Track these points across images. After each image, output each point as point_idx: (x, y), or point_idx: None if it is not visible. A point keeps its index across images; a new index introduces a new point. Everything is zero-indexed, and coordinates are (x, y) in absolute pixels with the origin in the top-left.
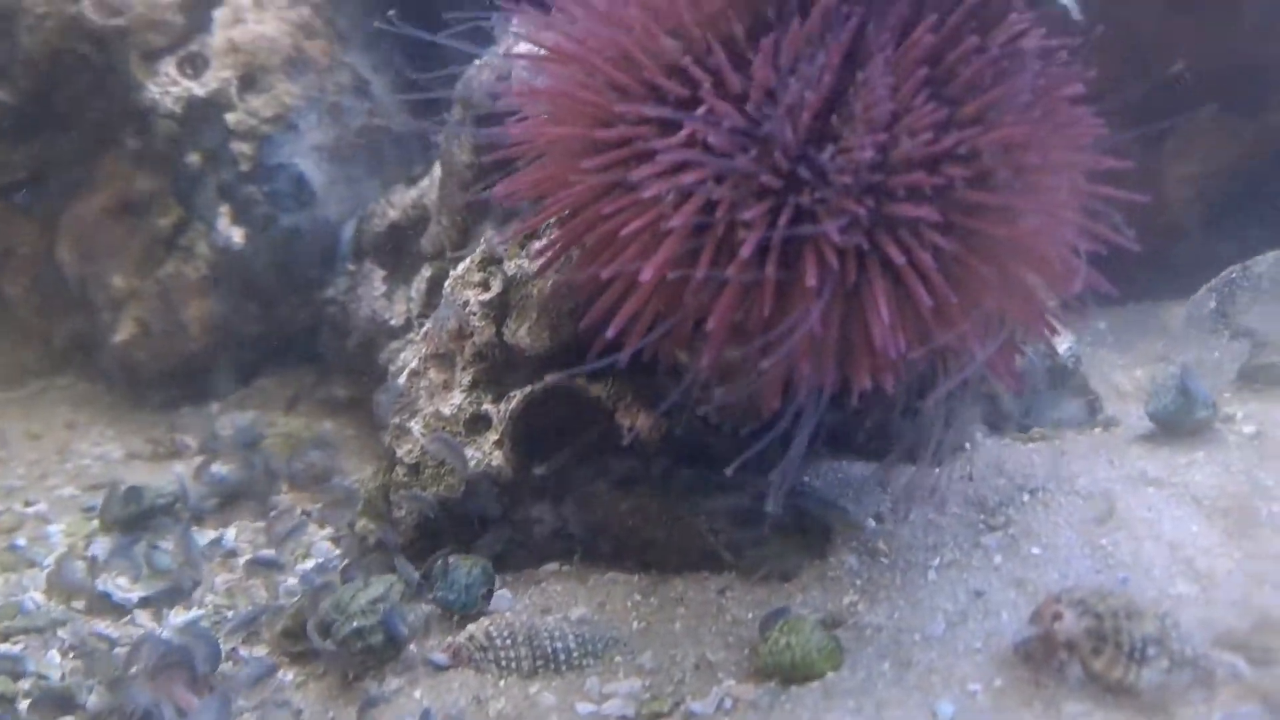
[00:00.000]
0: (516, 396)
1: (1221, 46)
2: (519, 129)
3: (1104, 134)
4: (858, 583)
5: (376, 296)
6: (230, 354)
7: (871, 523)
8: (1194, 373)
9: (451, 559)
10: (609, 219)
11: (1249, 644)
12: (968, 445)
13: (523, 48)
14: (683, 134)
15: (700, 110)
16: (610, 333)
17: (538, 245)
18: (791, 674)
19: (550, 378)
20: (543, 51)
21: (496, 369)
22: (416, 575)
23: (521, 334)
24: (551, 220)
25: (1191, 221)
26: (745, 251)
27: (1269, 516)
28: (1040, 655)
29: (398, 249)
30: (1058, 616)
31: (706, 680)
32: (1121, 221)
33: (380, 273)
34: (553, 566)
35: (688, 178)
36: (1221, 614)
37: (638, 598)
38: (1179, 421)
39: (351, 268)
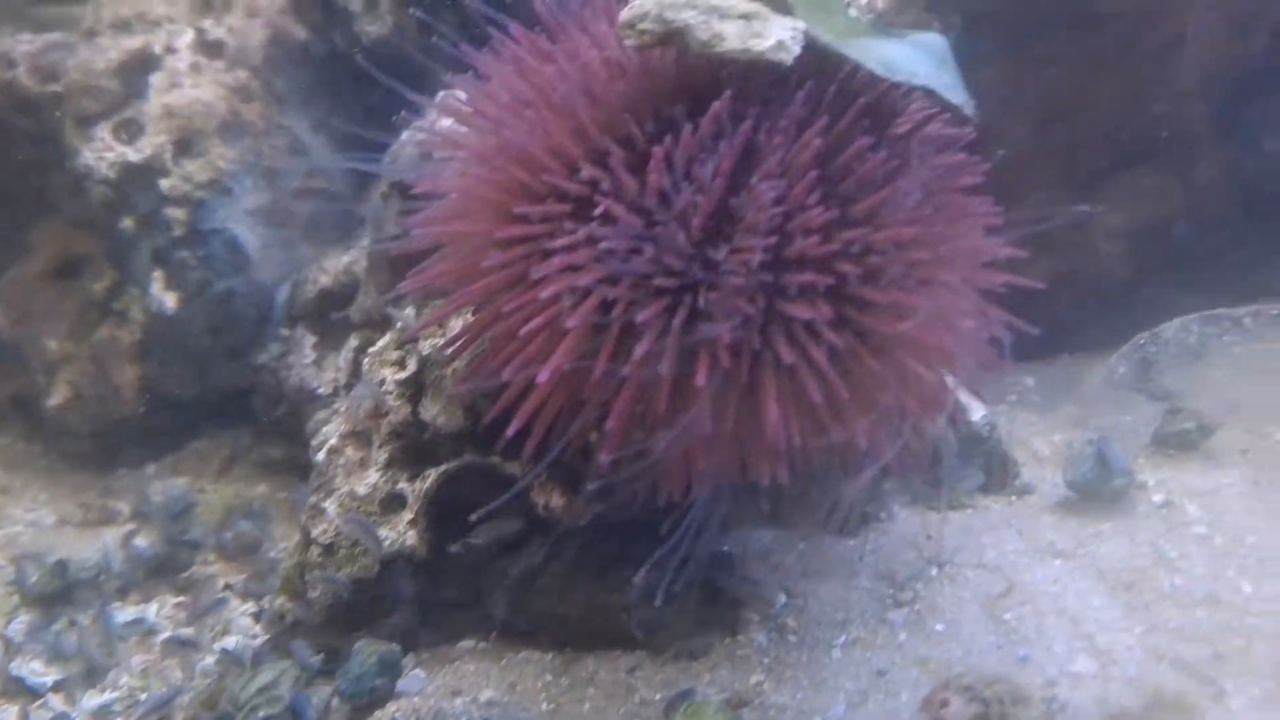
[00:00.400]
0: (432, 475)
1: (1144, 107)
2: (426, 222)
3: (998, 224)
4: (765, 661)
5: (306, 364)
6: (165, 417)
7: (783, 597)
8: (1111, 441)
9: (357, 644)
10: (510, 315)
11: None
12: (884, 516)
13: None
14: (580, 234)
15: (598, 210)
16: (510, 431)
17: (449, 335)
18: None
19: (466, 457)
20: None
21: (413, 447)
22: (315, 660)
23: (437, 413)
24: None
25: (1124, 276)
26: (638, 353)
27: (1171, 589)
28: None
29: (329, 315)
30: (945, 704)
31: None
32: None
33: (311, 339)
34: (469, 644)
35: (583, 279)
36: (1117, 692)
37: (549, 678)
38: (1097, 490)
39: (285, 333)
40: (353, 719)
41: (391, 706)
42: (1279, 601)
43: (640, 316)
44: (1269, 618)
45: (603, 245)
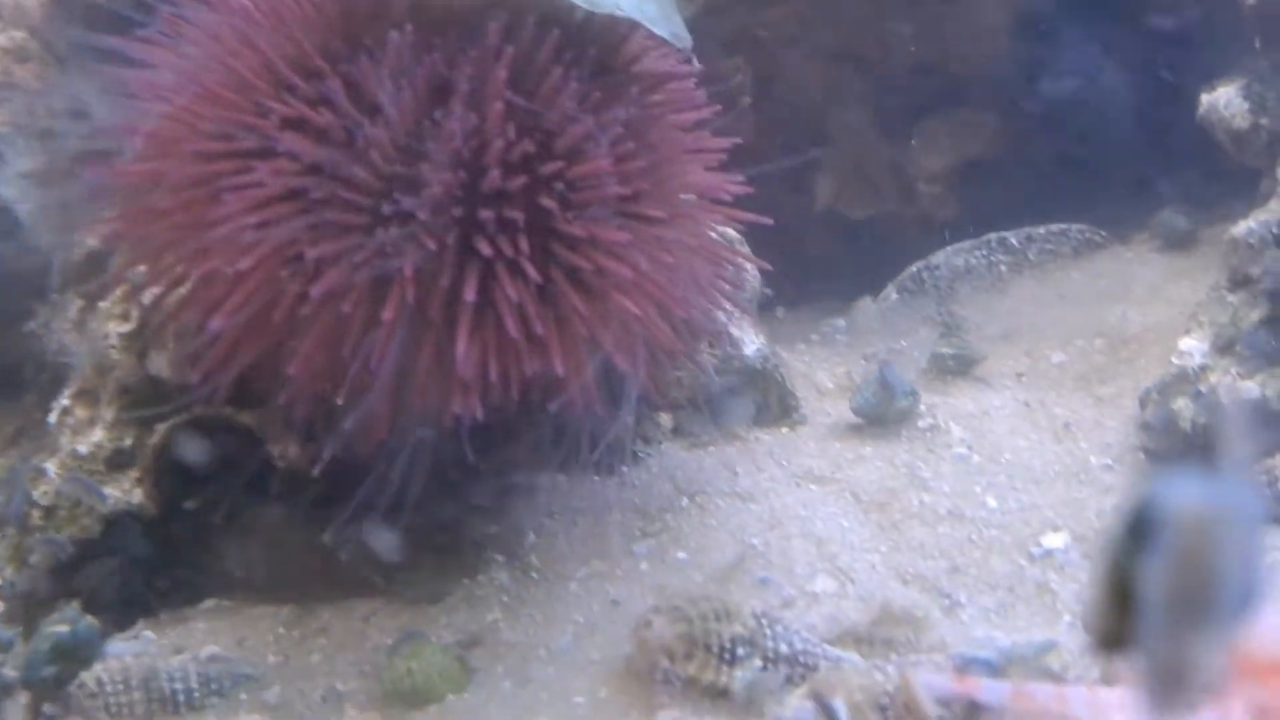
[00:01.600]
0: (160, 430)
1: (950, 45)
2: (115, 168)
3: (721, 158)
4: (504, 599)
5: (68, 329)
6: None
7: (532, 536)
8: (892, 365)
9: (43, 623)
10: (188, 261)
11: (871, 637)
12: (647, 452)
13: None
14: (257, 174)
15: (279, 148)
16: (195, 378)
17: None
18: (413, 699)
19: (196, 410)
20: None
21: (141, 402)
22: (9, 635)
23: (163, 365)
24: None
25: (945, 214)
26: (315, 294)
27: (919, 507)
28: (641, 664)
29: (96, 278)
30: (648, 624)
31: (333, 711)
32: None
33: (77, 304)
34: (210, 604)
35: (255, 219)
36: (850, 608)
37: (281, 630)
38: (882, 413)
39: (56, 298)
40: (44, 696)
41: (98, 666)
42: (1021, 514)
43: (313, 253)
44: (1008, 530)
45: (277, 184)
